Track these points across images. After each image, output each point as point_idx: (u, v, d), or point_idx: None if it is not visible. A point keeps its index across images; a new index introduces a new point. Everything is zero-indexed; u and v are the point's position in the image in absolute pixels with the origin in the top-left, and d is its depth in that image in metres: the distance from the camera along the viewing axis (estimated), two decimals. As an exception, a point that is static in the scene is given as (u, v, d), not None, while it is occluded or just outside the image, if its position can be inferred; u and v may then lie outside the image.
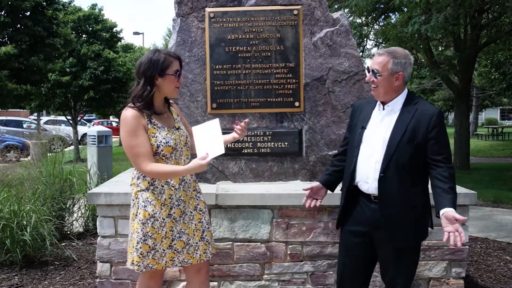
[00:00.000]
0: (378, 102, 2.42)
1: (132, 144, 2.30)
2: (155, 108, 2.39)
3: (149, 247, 2.33)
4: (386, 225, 2.30)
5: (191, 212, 2.47)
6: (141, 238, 2.33)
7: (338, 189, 2.65)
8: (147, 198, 2.36)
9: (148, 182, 2.37)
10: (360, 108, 2.54)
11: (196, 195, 2.52)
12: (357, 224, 2.43)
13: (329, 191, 2.67)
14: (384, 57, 2.32)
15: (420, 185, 2.35)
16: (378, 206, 2.33)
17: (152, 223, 2.33)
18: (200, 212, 2.51)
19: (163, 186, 2.38)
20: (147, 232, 2.33)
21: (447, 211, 2.16)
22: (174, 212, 2.39)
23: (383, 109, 2.38)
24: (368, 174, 2.35)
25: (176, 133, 2.43)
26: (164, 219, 2.36)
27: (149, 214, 2.33)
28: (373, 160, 2.33)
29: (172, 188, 2.39)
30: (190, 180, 2.49)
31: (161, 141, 2.35)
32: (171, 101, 2.58)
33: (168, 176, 2.36)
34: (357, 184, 2.41)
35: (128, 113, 2.32)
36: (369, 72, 2.39)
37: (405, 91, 2.38)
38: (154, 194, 2.36)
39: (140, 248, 2.32)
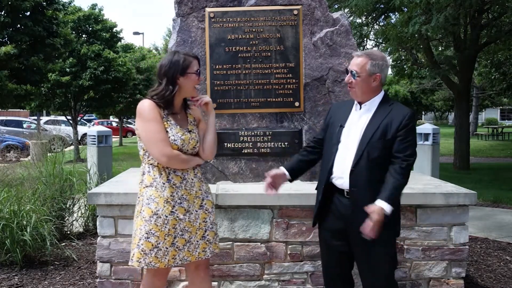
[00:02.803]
0: (355, 102, 2.52)
1: (154, 129, 2.35)
2: (174, 107, 2.46)
3: (152, 244, 2.35)
4: (356, 219, 2.35)
5: (196, 211, 2.49)
6: (143, 235, 2.35)
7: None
8: (150, 195, 2.38)
9: (152, 178, 2.40)
10: (338, 109, 2.64)
11: (201, 194, 2.53)
12: (334, 220, 2.50)
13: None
14: (363, 59, 2.41)
15: None
16: (350, 201, 2.41)
17: (155, 220, 2.35)
18: (206, 212, 2.53)
19: (164, 184, 2.39)
20: (150, 230, 2.35)
21: (376, 203, 2.24)
22: (176, 210, 2.40)
23: (360, 108, 2.48)
24: (343, 169, 2.43)
25: (187, 135, 2.45)
26: (167, 216, 2.37)
27: (152, 211, 2.36)
28: (349, 156, 2.42)
29: (174, 186, 2.41)
30: (193, 179, 2.49)
31: (169, 137, 2.39)
32: (192, 106, 2.60)
33: (185, 163, 2.43)
34: (331, 180, 2.49)
35: (146, 103, 2.39)
36: (347, 73, 2.47)
37: (382, 92, 2.49)
38: (157, 191, 2.38)
39: (142, 245, 2.34)
